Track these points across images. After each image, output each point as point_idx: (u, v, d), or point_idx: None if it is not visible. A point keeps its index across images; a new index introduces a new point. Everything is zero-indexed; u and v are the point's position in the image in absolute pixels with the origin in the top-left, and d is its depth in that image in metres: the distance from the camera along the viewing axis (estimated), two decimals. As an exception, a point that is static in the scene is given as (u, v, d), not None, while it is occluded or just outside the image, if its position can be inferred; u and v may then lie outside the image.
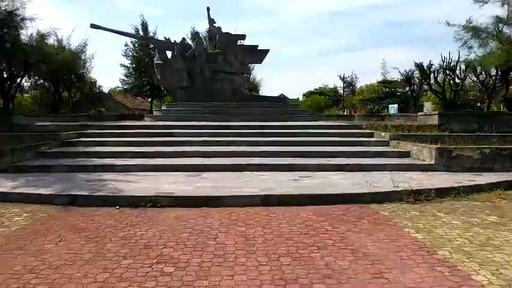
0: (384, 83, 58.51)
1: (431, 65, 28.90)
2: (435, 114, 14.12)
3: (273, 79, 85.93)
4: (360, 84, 65.95)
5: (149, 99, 34.02)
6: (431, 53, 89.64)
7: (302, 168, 8.43)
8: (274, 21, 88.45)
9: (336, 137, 11.99)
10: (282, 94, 21.13)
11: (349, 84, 65.24)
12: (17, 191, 6.21)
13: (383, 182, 7.15)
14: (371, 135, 12.32)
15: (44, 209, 5.57)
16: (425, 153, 9.13)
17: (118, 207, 5.66)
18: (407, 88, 31.34)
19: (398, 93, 57.29)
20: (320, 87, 67.70)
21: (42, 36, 24.06)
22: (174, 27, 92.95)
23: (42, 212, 5.43)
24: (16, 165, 8.33)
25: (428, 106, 34.62)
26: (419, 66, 29.62)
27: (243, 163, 8.65)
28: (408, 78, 29.23)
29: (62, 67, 23.39)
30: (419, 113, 16.62)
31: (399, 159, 9.49)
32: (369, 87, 59.29)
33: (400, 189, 6.48)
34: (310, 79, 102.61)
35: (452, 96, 27.78)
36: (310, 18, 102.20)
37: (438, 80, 28.99)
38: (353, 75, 66.60)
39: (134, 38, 21.83)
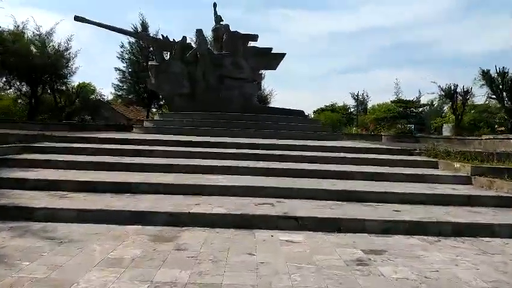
0: (400, 102, 54.97)
1: (505, 72, 22.15)
2: None
3: (279, 95, 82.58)
4: (371, 103, 62.90)
5: (147, 109, 30.54)
6: (442, 73, 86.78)
7: (357, 228, 4.82)
8: (277, 40, 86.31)
9: (386, 166, 8.42)
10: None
11: (361, 102, 61.88)
12: None
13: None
14: (434, 165, 8.74)
15: None
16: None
17: None
18: (450, 105, 25.49)
19: (413, 114, 53.72)
20: (331, 104, 64.22)
21: None
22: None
23: None
24: None
25: (446, 127, 30.37)
26: (485, 74, 23.14)
27: (255, 213, 5.08)
28: (450, 94, 24.29)
29: (37, 64, 19.34)
30: (484, 136, 13.00)
31: (507, 210, 5.86)
32: (382, 106, 55.80)
33: None
34: (315, 98, 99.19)
35: None
36: (311, 38, 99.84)
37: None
38: (365, 94, 63.25)
39: (125, 34, 18.52)
